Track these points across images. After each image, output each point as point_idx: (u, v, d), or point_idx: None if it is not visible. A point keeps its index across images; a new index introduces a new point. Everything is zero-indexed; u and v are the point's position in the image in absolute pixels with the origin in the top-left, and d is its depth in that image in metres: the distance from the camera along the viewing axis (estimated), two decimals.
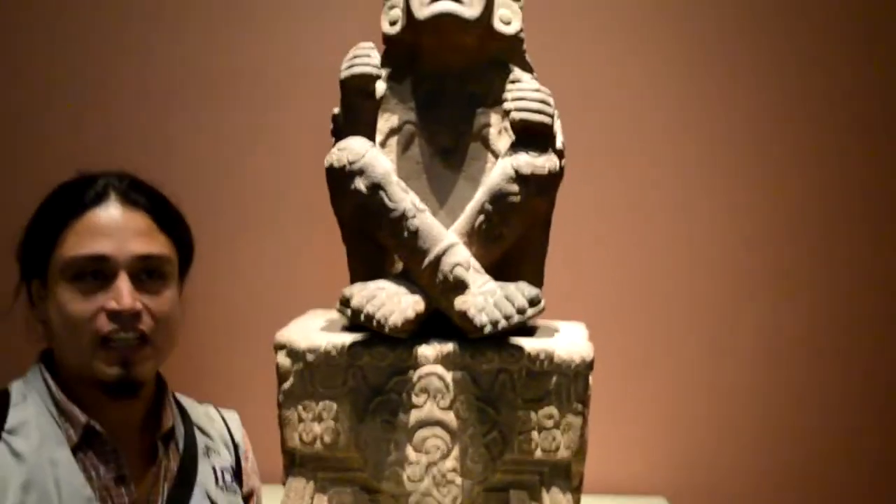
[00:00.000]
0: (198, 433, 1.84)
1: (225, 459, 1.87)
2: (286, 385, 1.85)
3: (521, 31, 2.03)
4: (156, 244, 1.68)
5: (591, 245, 2.66)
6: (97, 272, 1.62)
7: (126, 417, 1.69)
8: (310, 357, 1.83)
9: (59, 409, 1.64)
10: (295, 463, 1.88)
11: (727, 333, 2.76)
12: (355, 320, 1.79)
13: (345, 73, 1.90)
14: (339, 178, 1.85)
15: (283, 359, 1.86)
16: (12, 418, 1.61)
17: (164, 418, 1.76)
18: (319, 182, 2.54)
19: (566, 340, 1.89)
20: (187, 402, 1.89)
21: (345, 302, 1.79)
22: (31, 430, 1.59)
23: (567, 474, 1.85)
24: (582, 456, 1.87)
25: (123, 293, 1.61)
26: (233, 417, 1.98)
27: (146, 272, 1.66)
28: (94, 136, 2.72)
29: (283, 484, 1.97)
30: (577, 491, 1.91)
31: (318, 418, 1.84)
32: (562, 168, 1.91)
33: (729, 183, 2.74)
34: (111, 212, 1.66)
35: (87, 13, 2.71)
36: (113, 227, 1.64)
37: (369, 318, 1.77)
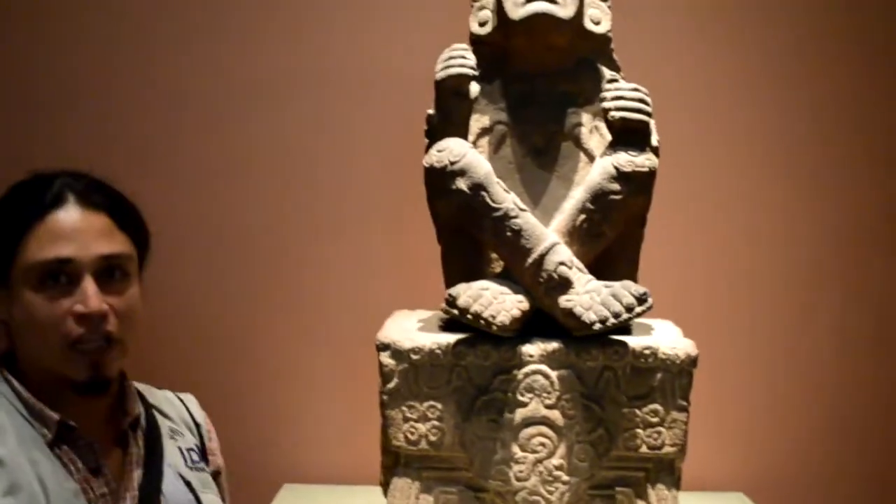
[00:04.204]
0: (160, 417, 1.85)
1: (189, 440, 1.88)
2: (390, 385, 1.86)
3: (609, 30, 2.04)
4: (117, 243, 1.69)
5: (667, 242, 2.66)
6: (61, 275, 1.62)
7: (94, 410, 1.71)
8: (414, 357, 1.84)
9: (29, 410, 1.64)
10: (400, 462, 1.89)
11: (805, 329, 2.76)
12: (462, 319, 1.80)
13: (440, 74, 1.91)
14: (440, 178, 1.86)
15: (386, 359, 1.86)
16: None
17: (129, 407, 1.77)
18: (396, 184, 2.60)
19: (667, 337, 1.90)
20: (144, 389, 1.90)
21: (451, 302, 1.80)
22: (6, 434, 1.59)
23: (672, 470, 1.87)
24: (683, 452, 1.88)
25: (90, 296, 1.61)
26: (191, 400, 1.99)
27: (109, 272, 1.67)
28: (178, 140, 2.73)
29: (381, 484, 1.99)
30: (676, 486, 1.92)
31: (423, 418, 1.85)
32: None
33: (809, 181, 2.74)
34: (71, 214, 1.65)
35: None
36: (74, 229, 1.64)
37: (477, 316, 1.78)
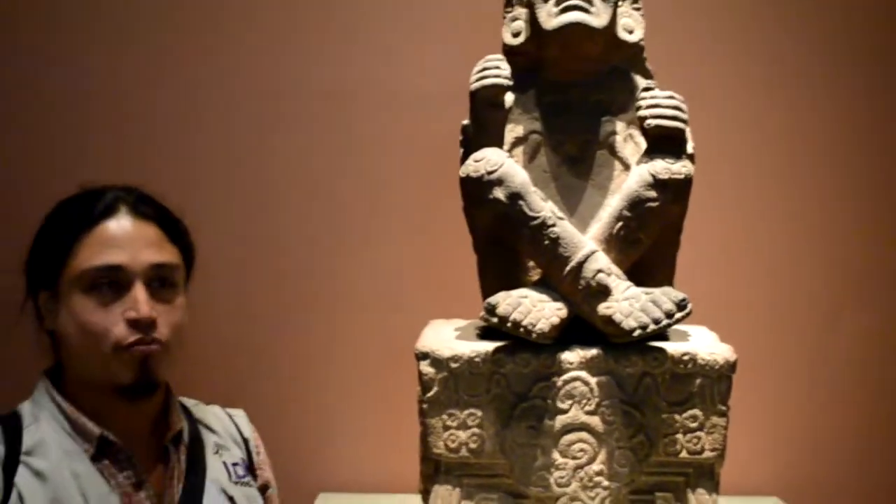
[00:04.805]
0: (206, 432, 1.88)
1: (235, 455, 1.91)
2: (430, 393, 1.87)
3: (643, 39, 2.05)
4: (166, 253, 1.73)
5: (699, 248, 2.67)
6: (112, 282, 1.66)
7: (137, 423, 1.74)
8: (454, 365, 1.86)
9: (71, 425, 1.68)
10: (440, 470, 1.90)
11: (841, 334, 2.76)
12: (501, 327, 1.81)
13: (475, 85, 1.92)
14: (477, 188, 1.87)
15: (426, 368, 1.88)
16: (28, 440, 1.65)
17: (172, 421, 1.80)
18: (428, 195, 2.62)
19: (705, 343, 1.91)
20: (191, 404, 1.94)
21: (490, 310, 1.81)
22: (50, 449, 1.64)
23: (712, 475, 1.88)
24: (723, 457, 1.88)
25: (141, 302, 1.65)
26: (239, 415, 2.02)
27: (158, 281, 1.71)
28: (211, 158, 2.76)
29: (420, 492, 2.00)
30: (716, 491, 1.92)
31: (464, 425, 1.86)
32: None
33: (841, 184, 2.75)
34: (123, 223, 1.70)
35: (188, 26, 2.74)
36: (125, 237, 1.69)
37: (516, 324, 1.79)
